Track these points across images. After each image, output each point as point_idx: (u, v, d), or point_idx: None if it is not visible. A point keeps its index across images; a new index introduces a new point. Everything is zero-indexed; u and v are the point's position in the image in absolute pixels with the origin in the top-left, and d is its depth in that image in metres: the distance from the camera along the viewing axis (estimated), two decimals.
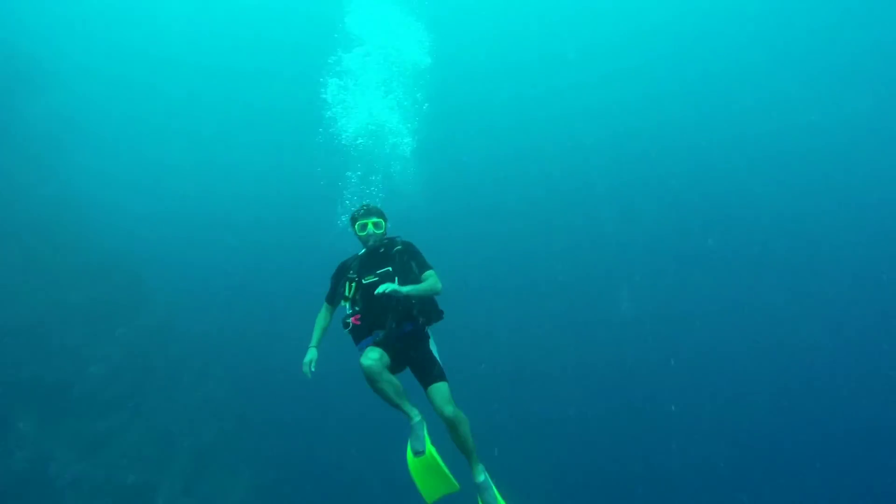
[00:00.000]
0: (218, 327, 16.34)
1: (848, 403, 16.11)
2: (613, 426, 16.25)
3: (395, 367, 3.74)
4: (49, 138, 14.50)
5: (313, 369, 4.06)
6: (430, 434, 3.68)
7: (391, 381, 3.54)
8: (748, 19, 23.37)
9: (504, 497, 3.74)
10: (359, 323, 3.83)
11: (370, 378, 3.48)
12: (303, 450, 14.88)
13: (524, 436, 15.23)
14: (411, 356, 3.84)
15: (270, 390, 15.54)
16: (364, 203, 4.23)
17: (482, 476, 3.71)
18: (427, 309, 3.95)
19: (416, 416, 3.61)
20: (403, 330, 3.80)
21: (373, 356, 3.49)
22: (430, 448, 3.59)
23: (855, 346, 17.49)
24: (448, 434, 3.68)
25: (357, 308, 3.89)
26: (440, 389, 3.69)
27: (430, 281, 3.83)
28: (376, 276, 3.90)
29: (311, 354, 4.11)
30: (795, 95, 22.65)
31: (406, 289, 3.63)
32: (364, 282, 3.91)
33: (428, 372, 3.77)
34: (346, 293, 3.97)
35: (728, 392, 17.00)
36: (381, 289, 3.53)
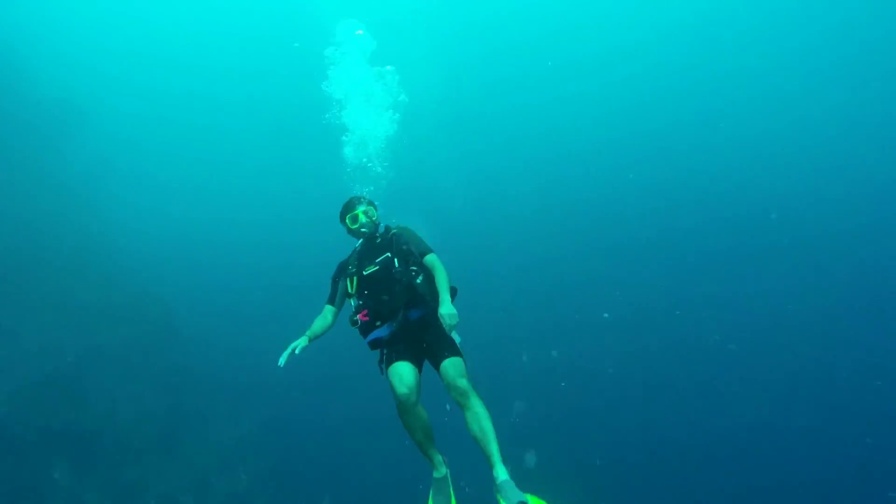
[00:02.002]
0: (251, 364, 16.01)
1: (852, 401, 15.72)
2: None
3: (416, 359, 3.50)
4: (83, 178, 14.71)
5: (297, 353, 3.50)
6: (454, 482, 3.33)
7: (422, 419, 3.36)
8: (750, 20, 23.24)
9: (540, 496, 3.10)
10: (367, 318, 3.62)
11: (402, 409, 3.31)
12: (343, 492, 14.29)
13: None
14: (425, 343, 3.55)
15: (307, 427, 15.12)
16: (349, 198, 4.02)
17: (504, 475, 3.02)
18: (435, 289, 3.59)
19: (443, 469, 3.33)
20: (411, 318, 3.57)
21: (408, 381, 3.29)
22: None
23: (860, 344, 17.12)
24: (466, 420, 3.18)
25: (362, 302, 3.68)
26: (454, 363, 3.35)
27: (440, 270, 3.63)
28: (376, 264, 3.74)
29: (303, 341, 3.56)
30: (799, 95, 22.69)
31: (447, 299, 3.43)
32: (365, 273, 3.73)
33: (440, 349, 3.45)
34: (350, 289, 3.76)
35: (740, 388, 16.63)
36: (448, 323, 3.30)
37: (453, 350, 3.46)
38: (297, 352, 3.52)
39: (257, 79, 23.89)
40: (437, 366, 3.46)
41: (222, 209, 22.40)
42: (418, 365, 3.50)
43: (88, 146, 15.79)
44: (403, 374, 3.33)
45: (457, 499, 3.46)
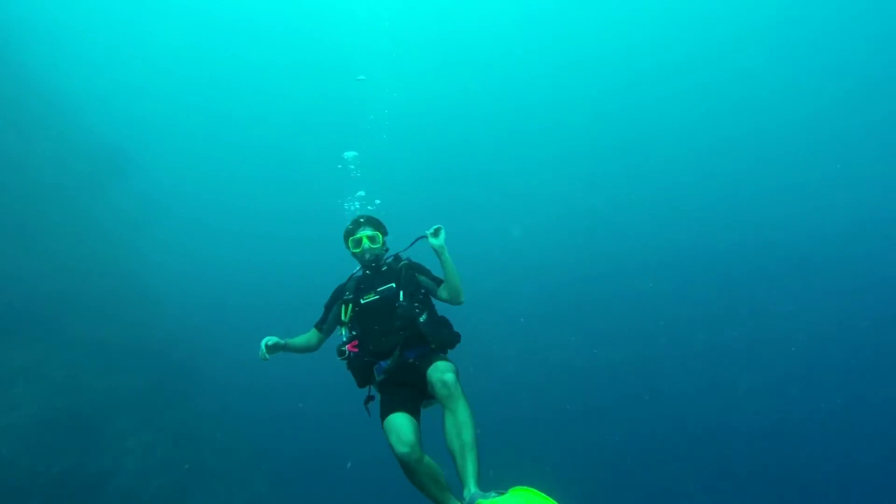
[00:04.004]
0: (271, 423, 15.39)
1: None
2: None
3: (413, 406, 3.08)
4: (126, 221, 15.17)
5: (271, 343, 3.32)
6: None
7: (431, 471, 2.86)
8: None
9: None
10: (356, 350, 3.27)
11: (407, 469, 2.82)
12: None
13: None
14: (420, 384, 3.09)
15: (324, 487, 14.14)
16: (357, 216, 3.69)
17: (474, 488, 2.57)
18: (439, 332, 3.31)
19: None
20: (407, 358, 3.19)
21: (407, 438, 2.81)
22: None
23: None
24: (445, 427, 2.76)
25: (354, 333, 3.35)
26: (443, 362, 2.97)
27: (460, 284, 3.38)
28: (377, 293, 3.39)
29: (272, 339, 3.36)
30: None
31: (447, 253, 3.29)
32: (363, 301, 3.38)
33: (435, 360, 3.05)
34: (343, 317, 3.41)
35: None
36: (432, 234, 3.27)
37: (445, 358, 3.14)
38: (263, 347, 3.28)
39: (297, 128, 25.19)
40: (425, 368, 3.04)
41: (263, 259, 22.81)
42: (415, 411, 3.09)
43: (134, 191, 16.47)
44: (401, 429, 2.89)
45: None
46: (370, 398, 3.30)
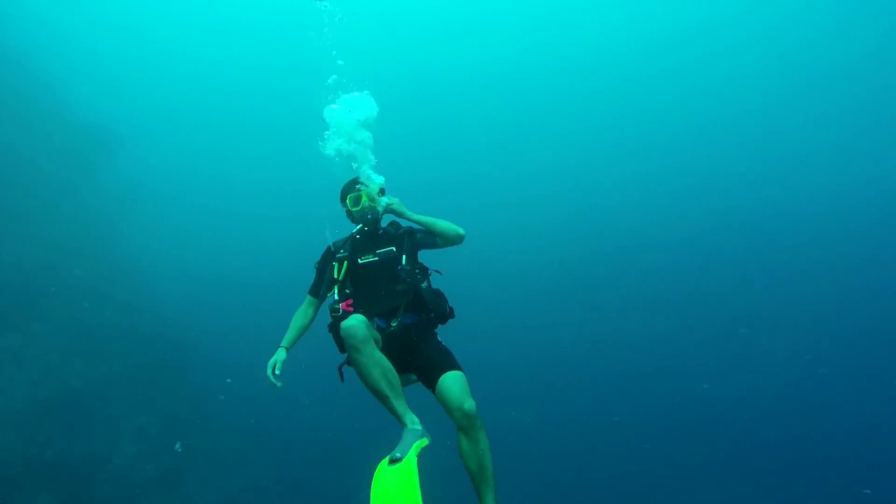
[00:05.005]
0: (266, 408, 15.28)
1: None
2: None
3: (395, 367, 2.85)
4: (113, 202, 14.90)
5: (278, 372, 3.27)
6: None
7: (381, 362, 2.67)
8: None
9: None
10: (351, 309, 3.07)
11: (353, 342, 2.63)
12: None
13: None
14: (416, 352, 3.04)
15: (321, 471, 14.11)
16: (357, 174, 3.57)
17: None
18: (440, 301, 3.22)
19: (415, 423, 2.64)
20: (404, 321, 3.07)
21: (358, 316, 2.72)
22: (411, 459, 2.49)
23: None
24: (461, 447, 2.74)
25: (348, 291, 3.21)
26: (457, 377, 2.85)
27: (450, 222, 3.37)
28: (375, 255, 3.30)
29: (279, 355, 3.33)
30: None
31: (413, 213, 3.40)
32: (360, 261, 3.28)
33: (439, 360, 2.97)
34: (336, 275, 3.28)
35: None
36: (383, 202, 3.35)
37: (454, 362, 2.97)
38: (276, 371, 3.27)
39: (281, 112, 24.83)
40: (432, 382, 2.91)
41: (254, 238, 22.55)
42: (394, 359, 2.87)
43: (121, 171, 16.14)
44: (357, 315, 2.77)
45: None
46: (346, 362, 3.12)
